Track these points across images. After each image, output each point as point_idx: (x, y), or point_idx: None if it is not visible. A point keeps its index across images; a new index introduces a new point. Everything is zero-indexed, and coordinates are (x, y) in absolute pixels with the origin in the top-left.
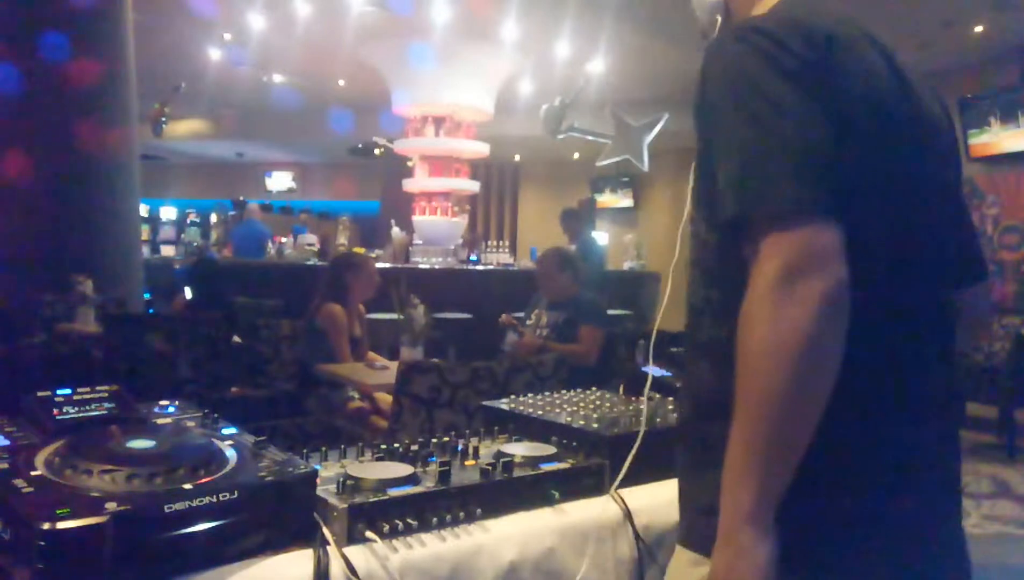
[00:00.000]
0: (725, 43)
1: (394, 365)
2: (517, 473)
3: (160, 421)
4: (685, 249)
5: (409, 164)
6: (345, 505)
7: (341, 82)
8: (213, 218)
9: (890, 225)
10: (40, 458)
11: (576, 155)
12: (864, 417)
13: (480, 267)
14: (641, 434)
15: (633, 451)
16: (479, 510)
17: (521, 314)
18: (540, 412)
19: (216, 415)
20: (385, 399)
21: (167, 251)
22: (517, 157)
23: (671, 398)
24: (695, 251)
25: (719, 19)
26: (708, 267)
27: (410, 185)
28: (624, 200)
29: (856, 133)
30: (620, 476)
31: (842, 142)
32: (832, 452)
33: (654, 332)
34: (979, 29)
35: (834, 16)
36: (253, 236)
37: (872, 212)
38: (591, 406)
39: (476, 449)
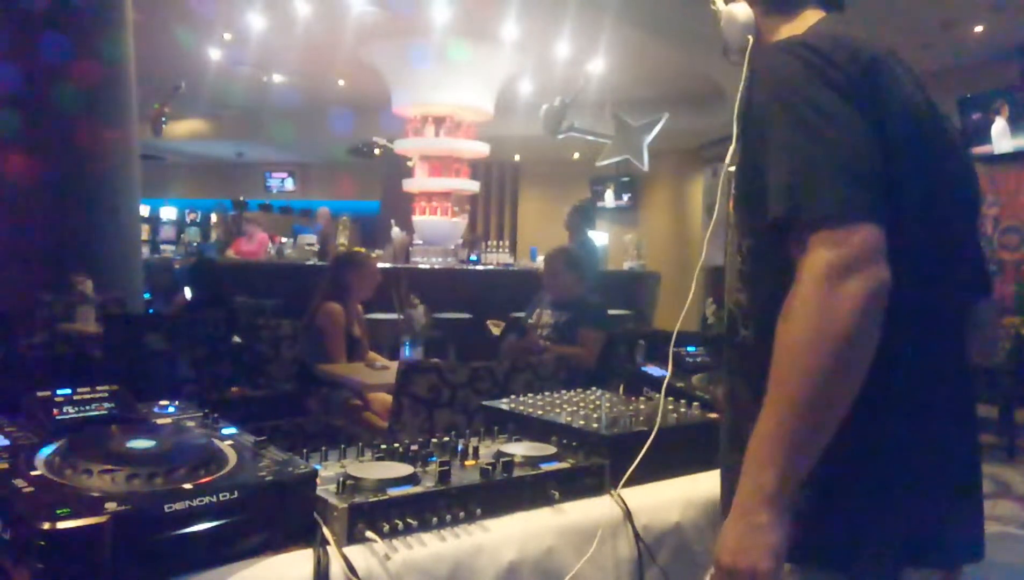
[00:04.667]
0: (773, 55)
1: (394, 365)
2: (517, 473)
3: (160, 421)
4: (717, 254)
5: (409, 164)
6: (345, 505)
7: (341, 82)
8: (213, 218)
9: (918, 233)
10: (40, 458)
11: (576, 155)
12: (889, 415)
13: (480, 267)
14: (655, 432)
15: (645, 448)
16: (479, 510)
17: (522, 314)
18: (540, 412)
19: (216, 415)
20: (384, 399)
21: (167, 251)
22: (517, 157)
23: (671, 398)
24: (730, 255)
25: (751, 39)
26: (740, 271)
27: (410, 185)
28: (624, 200)
29: (893, 147)
30: (626, 475)
31: (881, 153)
32: (858, 449)
33: (674, 335)
34: (979, 29)
35: (870, 41)
36: None
37: (902, 219)
38: (591, 406)
39: (476, 449)
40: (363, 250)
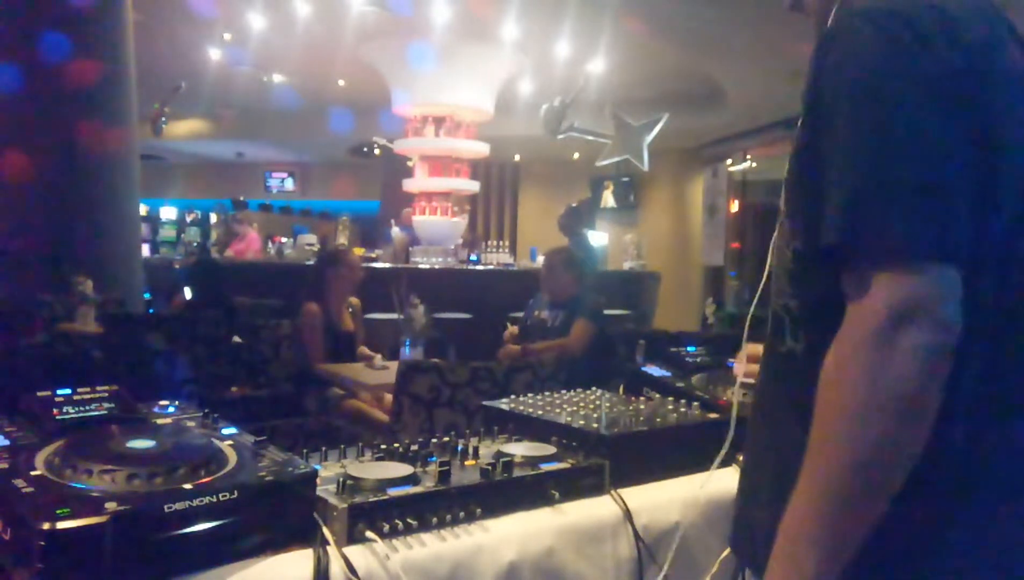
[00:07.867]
0: (856, 25)
1: (394, 365)
2: (517, 473)
3: (160, 421)
4: (715, 253)
5: (409, 164)
6: (345, 505)
7: (341, 82)
8: (213, 218)
9: None
10: (40, 458)
11: (576, 155)
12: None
13: (480, 267)
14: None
15: (731, 434)
16: (479, 510)
17: (521, 314)
18: (540, 412)
19: (216, 415)
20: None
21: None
22: (517, 157)
23: (671, 398)
24: (779, 256)
25: None
26: (791, 275)
27: (410, 185)
28: (624, 200)
29: (1005, 151)
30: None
31: (988, 163)
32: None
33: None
34: None
35: (979, 9)
36: None
37: (1010, 240)
38: (591, 406)
39: (476, 449)
40: (344, 248)
